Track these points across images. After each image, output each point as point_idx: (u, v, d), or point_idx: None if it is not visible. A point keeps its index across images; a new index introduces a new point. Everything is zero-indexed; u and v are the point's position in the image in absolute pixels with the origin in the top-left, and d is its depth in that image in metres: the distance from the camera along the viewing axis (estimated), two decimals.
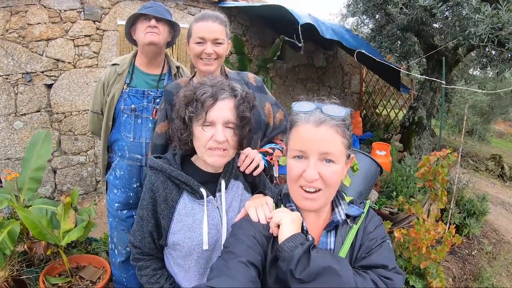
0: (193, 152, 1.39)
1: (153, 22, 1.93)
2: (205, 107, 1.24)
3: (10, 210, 2.97)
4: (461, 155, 4.12)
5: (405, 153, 5.90)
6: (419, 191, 4.39)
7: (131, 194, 2.15)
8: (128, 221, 2.18)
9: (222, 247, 1.29)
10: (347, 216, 1.12)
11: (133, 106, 2.05)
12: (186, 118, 1.28)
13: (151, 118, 2.05)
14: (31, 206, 2.58)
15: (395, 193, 4.39)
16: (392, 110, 8.31)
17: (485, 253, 4.10)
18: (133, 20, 2.01)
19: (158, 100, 2.06)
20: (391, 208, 4.23)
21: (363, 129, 7.93)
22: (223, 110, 1.27)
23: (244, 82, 1.81)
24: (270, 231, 1.07)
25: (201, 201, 1.31)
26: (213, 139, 1.25)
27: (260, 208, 1.14)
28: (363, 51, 3.92)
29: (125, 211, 2.18)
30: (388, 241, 1.12)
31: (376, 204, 4.31)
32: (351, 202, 1.18)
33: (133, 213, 2.17)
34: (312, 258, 0.94)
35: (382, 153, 5.37)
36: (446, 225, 3.29)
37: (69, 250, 2.73)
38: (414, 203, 3.00)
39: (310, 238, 1.01)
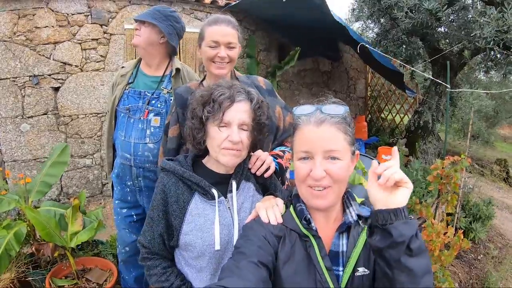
0: (204, 154, 1.41)
1: (135, 25, 2.05)
2: (222, 107, 1.27)
3: (17, 212, 2.99)
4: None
5: (410, 157, 5.88)
6: (425, 195, 4.37)
7: (127, 190, 2.18)
8: (127, 220, 2.22)
9: (233, 248, 1.30)
10: (359, 217, 1.12)
11: (128, 106, 2.09)
12: (203, 118, 1.30)
13: (142, 118, 2.06)
14: (39, 208, 2.59)
15: None
16: (398, 114, 8.30)
17: (491, 258, 4.07)
18: None
19: (153, 102, 2.08)
20: None
21: (369, 134, 7.90)
22: (239, 112, 1.30)
23: (254, 85, 1.82)
24: (383, 180, 0.93)
25: (212, 201, 1.32)
26: (228, 139, 1.27)
27: (270, 209, 1.14)
28: (366, 45, 3.92)
29: (124, 210, 2.22)
30: None
31: None
32: (362, 203, 1.18)
33: (132, 213, 2.22)
34: (418, 236, 0.91)
35: (388, 157, 5.32)
36: (452, 228, 3.28)
37: (75, 252, 2.74)
38: (425, 206, 3.00)
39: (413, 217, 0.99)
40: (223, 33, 1.67)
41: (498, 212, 5.27)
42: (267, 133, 1.42)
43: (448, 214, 3.76)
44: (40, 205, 2.70)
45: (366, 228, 1.10)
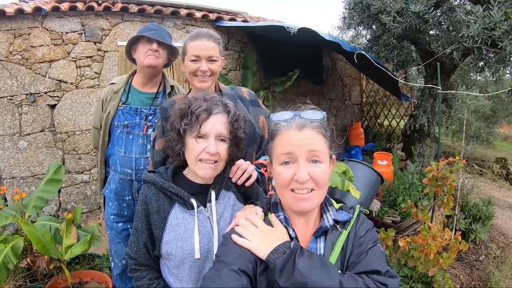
0: (184, 165, 1.43)
1: (154, 46, 2.03)
2: (199, 120, 1.30)
3: (15, 227, 3.01)
4: (466, 160, 4.11)
5: (407, 161, 5.88)
6: (422, 198, 4.36)
7: (124, 205, 2.21)
8: (123, 233, 2.24)
9: (214, 256, 1.30)
10: (336, 221, 1.14)
11: (126, 122, 2.13)
12: (181, 130, 1.33)
13: (141, 134, 2.12)
14: (35, 222, 2.62)
15: (400, 199, 4.36)
16: (394, 119, 8.31)
17: (493, 258, 4.04)
18: (135, 40, 2.10)
19: (150, 118, 2.14)
20: (394, 217, 4.21)
21: (366, 140, 7.92)
22: (216, 124, 1.33)
23: (238, 96, 1.86)
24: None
25: (192, 211, 1.35)
26: (205, 150, 1.30)
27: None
28: (363, 52, 3.96)
29: (120, 224, 2.24)
30: (378, 244, 1.12)
31: (379, 214, 4.28)
32: (340, 208, 1.19)
33: (128, 226, 2.23)
34: (296, 267, 0.96)
35: (383, 162, 5.38)
36: (451, 231, 3.27)
37: (72, 265, 2.76)
38: (421, 209, 3.00)
39: (292, 245, 1.03)
40: (204, 47, 1.70)
41: (499, 211, 5.25)
42: (243, 148, 1.46)
43: (447, 217, 3.75)
44: (37, 218, 2.73)
45: (344, 232, 1.12)
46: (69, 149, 4.37)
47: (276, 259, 1.00)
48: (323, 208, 1.17)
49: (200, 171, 1.33)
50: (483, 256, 4.08)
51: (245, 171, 1.49)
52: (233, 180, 1.48)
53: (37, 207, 2.69)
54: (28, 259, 2.50)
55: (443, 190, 3.08)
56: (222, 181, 1.44)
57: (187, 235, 1.33)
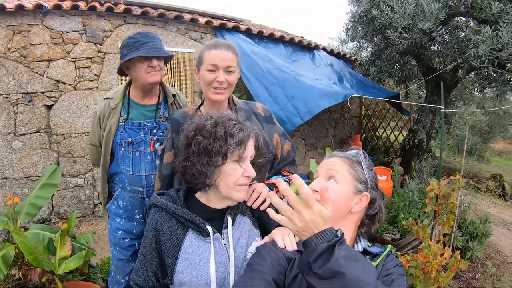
0: (196, 188, 1.36)
1: (154, 62, 1.90)
2: (244, 144, 1.26)
3: (6, 232, 2.92)
4: (462, 177, 4.12)
5: (405, 176, 5.87)
6: (421, 216, 4.35)
7: (135, 224, 2.11)
8: (129, 250, 2.13)
9: (230, 285, 1.27)
10: (367, 252, 1.17)
11: (130, 139, 2.01)
12: (228, 154, 1.24)
13: (149, 150, 2.01)
14: (28, 230, 2.53)
15: (400, 217, 4.34)
16: (392, 132, 8.32)
17: (489, 276, 4.04)
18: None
19: (155, 131, 2.03)
20: (393, 234, 4.18)
21: None
22: (251, 147, 1.31)
23: (252, 112, 1.79)
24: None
25: (207, 238, 1.27)
26: (245, 175, 1.27)
27: (286, 236, 1.18)
28: (355, 94, 3.99)
29: (127, 240, 2.12)
30: (404, 278, 1.11)
31: (378, 231, 4.25)
32: (372, 245, 1.23)
33: (135, 243, 2.12)
34: (334, 255, 0.88)
35: (382, 177, 5.35)
36: (449, 248, 3.26)
37: (64, 276, 2.66)
38: (421, 227, 2.99)
39: (339, 234, 0.94)
40: (222, 57, 1.64)
41: (495, 228, 5.27)
42: (264, 171, 1.47)
43: (445, 235, 3.73)
44: (30, 226, 2.64)
45: (373, 263, 1.12)
46: (64, 152, 4.27)
47: (319, 243, 0.90)
48: (356, 239, 1.21)
49: (237, 194, 1.27)
50: (479, 274, 4.08)
51: (260, 194, 1.43)
52: (248, 203, 1.42)
53: (29, 214, 2.60)
54: (20, 273, 2.41)
55: (444, 209, 3.07)
56: (238, 205, 1.37)
57: (202, 263, 1.25)
